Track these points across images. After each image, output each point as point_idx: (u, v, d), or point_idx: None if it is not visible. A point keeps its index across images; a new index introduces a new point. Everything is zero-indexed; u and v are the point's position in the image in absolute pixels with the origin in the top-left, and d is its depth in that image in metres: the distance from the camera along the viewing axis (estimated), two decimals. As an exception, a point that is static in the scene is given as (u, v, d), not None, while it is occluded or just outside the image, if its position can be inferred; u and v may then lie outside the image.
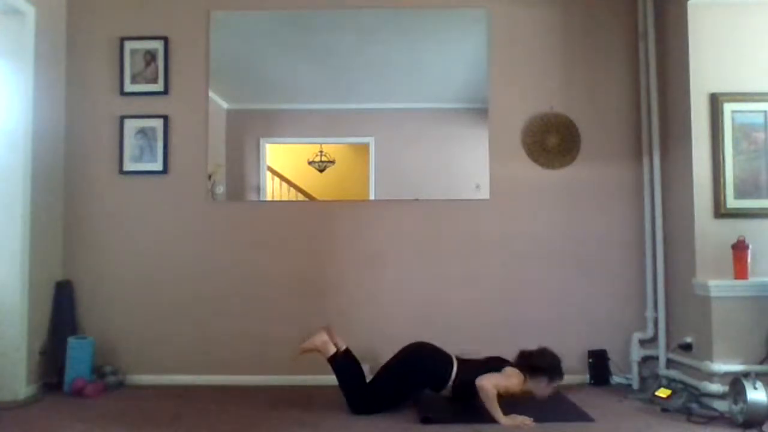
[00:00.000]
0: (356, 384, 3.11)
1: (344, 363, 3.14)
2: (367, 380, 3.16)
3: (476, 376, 2.98)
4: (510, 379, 2.98)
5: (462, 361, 3.13)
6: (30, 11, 3.47)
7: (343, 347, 3.18)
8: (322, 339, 3.14)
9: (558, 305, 3.77)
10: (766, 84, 3.31)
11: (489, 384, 2.91)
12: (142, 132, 3.86)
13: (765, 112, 3.31)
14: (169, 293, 3.80)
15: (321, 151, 3.94)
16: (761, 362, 3.07)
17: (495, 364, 3.08)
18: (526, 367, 3.06)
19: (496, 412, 2.85)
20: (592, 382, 3.70)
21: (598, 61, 3.87)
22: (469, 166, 3.86)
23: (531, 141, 3.84)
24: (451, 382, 3.06)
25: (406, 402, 3.13)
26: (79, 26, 3.90)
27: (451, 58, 3.89)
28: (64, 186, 3.85)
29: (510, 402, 2.91)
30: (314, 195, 3.94)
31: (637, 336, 3.70)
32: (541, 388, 3.06)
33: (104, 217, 3.85)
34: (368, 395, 3.08)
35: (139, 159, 3.86)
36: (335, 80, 3.88)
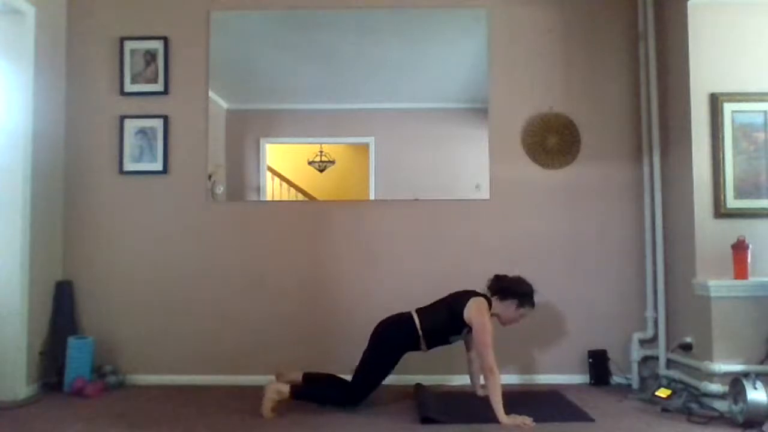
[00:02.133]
0: (335, 390, 3.12)
1: (306, 387, 3.14)
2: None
3: (442, 319, 3.08)
4: (485, 325, 2.97)
5: (421, 310, 3.16)
6: (30, 11, 3.47)
7: (299, 377, 3.18)
8: (274, 390, 3.02)
9: (558, 305, 3.77)
10: (766, 84, 3.31)
11: (491, 360, 2.90)
12: (142, 132, 3.86)
13: (765, 112, 3.31)
14: (169, 293, 3.80)
15: (321, 151, 3.94)
16: (761, 362, 3.07)
17: (457, 303, 3.09)
18: (498, 290, 3.12)
19: (499, 408, 2.84)
20: (592, 382, 3.69)
21: (598, 61, 3.87)
22: (469, 166, 3.86)
23: (531, 141, 3.84)
24: (420, 333, 3.08)
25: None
26: (79, 26, 3.90)
27: (451, 58, 3.89)
28: (64, 186, 3.85)
29: (509, 403, 2.91)
30: (314, 195, 3.94)
31: (637, 336, 3.70)
32: (509, 312, 3.13)
33: (104, 217, 3.85)
34: (356, 386, 3.07)
35: (139, 159, 3.86)
36: (335, 80, 3.88)
